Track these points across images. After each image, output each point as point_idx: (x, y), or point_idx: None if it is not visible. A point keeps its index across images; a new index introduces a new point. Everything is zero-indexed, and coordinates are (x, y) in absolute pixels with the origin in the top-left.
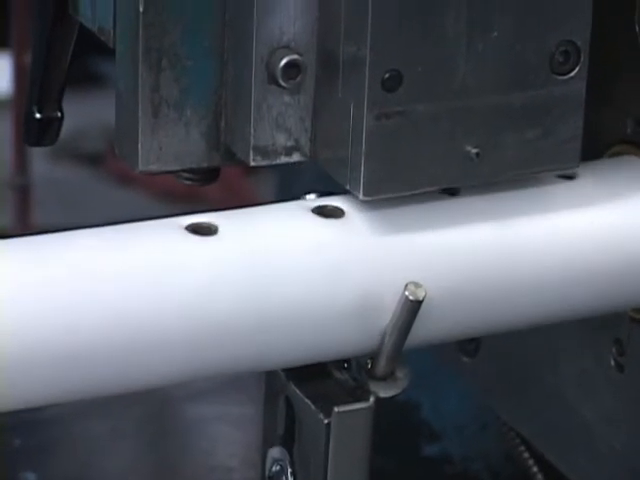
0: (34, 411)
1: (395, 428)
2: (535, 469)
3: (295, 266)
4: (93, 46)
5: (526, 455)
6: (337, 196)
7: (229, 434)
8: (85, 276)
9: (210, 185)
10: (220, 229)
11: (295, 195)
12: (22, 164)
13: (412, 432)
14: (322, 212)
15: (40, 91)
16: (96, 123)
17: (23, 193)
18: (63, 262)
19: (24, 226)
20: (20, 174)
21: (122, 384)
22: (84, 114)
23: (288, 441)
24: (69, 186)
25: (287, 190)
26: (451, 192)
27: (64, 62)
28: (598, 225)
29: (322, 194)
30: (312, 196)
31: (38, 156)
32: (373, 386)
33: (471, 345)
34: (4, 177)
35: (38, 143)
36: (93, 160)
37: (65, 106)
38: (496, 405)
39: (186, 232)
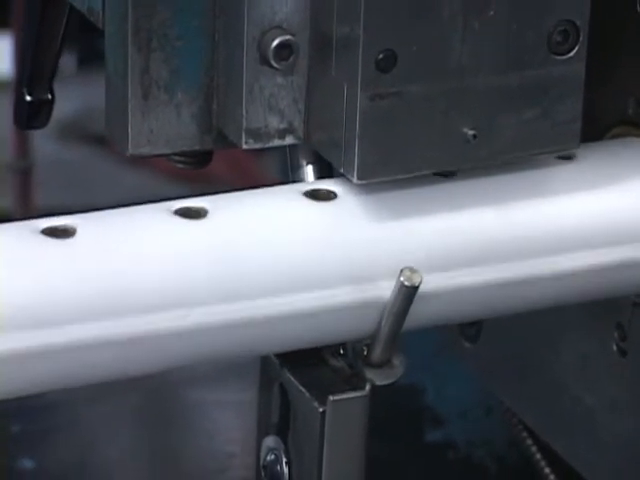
0: (32, 397)
1: (398, 413)
2: (539, 455)
3: (287, 250)
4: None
5: (529, 441)
6: (331, 179)
7: (229, 420)
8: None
9: (218, 165)
10: (210, 213)
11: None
12: (24, 146)
13: (416, 417)
14: (315, 195)
15: (31, 73)
16: (103, 103)
17: (25, 175)
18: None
19: (25, 208)
20: (22, 156)
21: (114, 371)
22: (91, 94)
23: (283, 430)
24: (75, 167)
25: None
26: (447, 174)
27: (55, 44)
28: (598, 207)
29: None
30: (310, 168)
31: (44, 137)
32: (369, 373)
33: (472, 330)
34: (6, 159)
35: (28, 126)
36: (100, 141)
37: (72, 86)
38: (498, 391)
39: (175, 216)
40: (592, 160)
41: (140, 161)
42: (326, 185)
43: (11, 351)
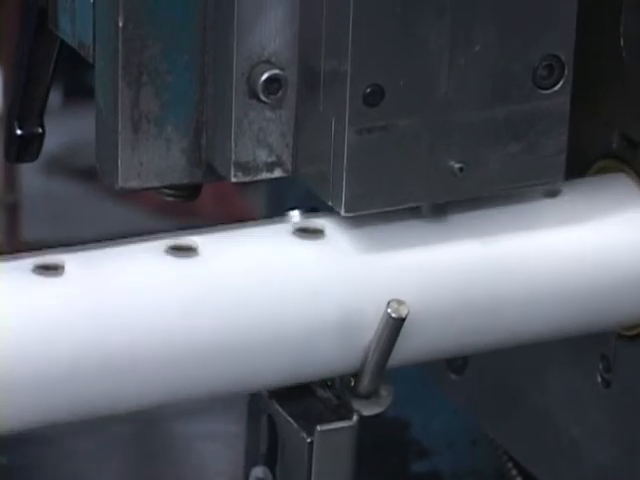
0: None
1: (385, 445)
2: None
3: (276, 288)
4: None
5: (515, 472)
6: (319, 215)
7: (217, 452)
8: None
9: (204, 200)
10: (200, 250)
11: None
12: (11, 180)
13: (402, 449)
14: (303, 233)
15: (21, 107)
16: (91, 138)
17: (12, 209)
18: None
19: (14, 242)
20: (10, 191)
21: (105, 407)
22: (78, 129)
23: (271, 460)
24: (62, 201)
25: (277, 204)
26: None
27: (45, 78)
28: (583, 243)
29: (309, 210)
30: (296, 213)
31: (31, 172)
32: (356, 404)
33: (458, 362)
34: None
35: (19, 159)
36: (87, 175)
37: (60, 120)
38: (484, 422)
39: (165, 253)
40: (577, 197)
41: (126, 195)
42: (314, 222)
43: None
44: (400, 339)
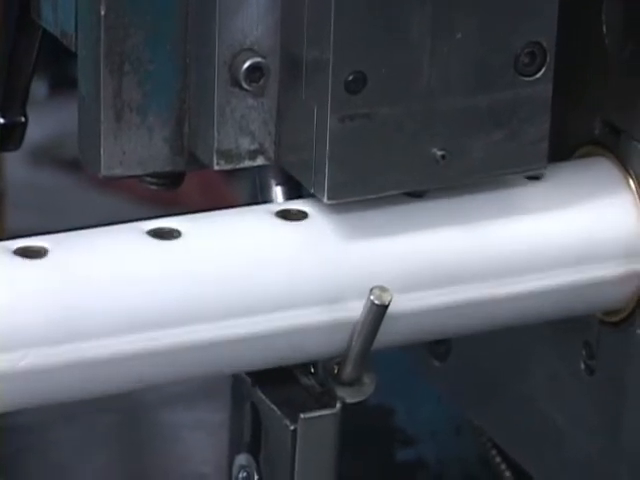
0: (5, 418)
1: (369, 433)
2: (508, 473)
3: (258, 270)
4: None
5: (499, 459)
6: (302, 200)
7: (202, 441)
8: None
9: (190, 189)
10: (182, 234)
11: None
12: None
13: (386, 437)
14: (286, 215)
15: (4, 96)
16: (74, 128)
17: None
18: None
19: None
20: None
21: (90, 390)
22: (64, 119)
23: (254, 448)
24: (47, 192)
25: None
26: (417, 194)
27: (28, 67)
28: (565, 227)
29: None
30: (279, 189)
31: (16, 162)
32: (340, 391)
33: (441, 349)
34: None
35: (1, 148)
36: (73, 166)
37: (45, 111)
38: (467, 409)
39: (147, 236)
40: (559, 180)
41: (111, 185)
42: (297, 205)
43: None
44: (383, 326)
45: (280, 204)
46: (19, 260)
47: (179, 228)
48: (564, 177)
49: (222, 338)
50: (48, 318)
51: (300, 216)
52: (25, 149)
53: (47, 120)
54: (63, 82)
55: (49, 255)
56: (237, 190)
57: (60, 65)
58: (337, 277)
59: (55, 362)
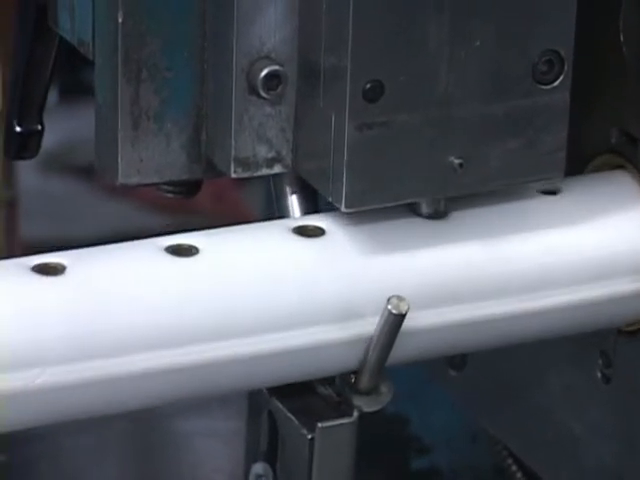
0: None
1: (385, 441)
2: None
3: (276, 287)
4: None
5: (515, 468)
6: (319, 214)
7: (215, 448)
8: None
9: (202, 197)
10: (201, 250)
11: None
12: (9, 177)
13: (402, 445)
14: (303, 232)
15: (20, 104)
16: (88, 135)
17: (10, 206)
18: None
19: (11, 240)
20: (7, 187)
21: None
22: (75, 126)
23: (271, 457)
24: (59, 199)
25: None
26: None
27: (45, 75)
28: (583, 242)
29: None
30: (294, 198)
31: (28, 169)
32: (357, 401)
33: (458, 358)
34: None
35: (19, 156)
36: (84, 173)
37: (57, 118)
38: (483, 418)
39: (165, 253)
40: (577, 195)
41: (123, 192)
42: (314, 221)
43: None
44: (400, 337)
45: (297, 219)
46: (37, 277)
47: (197, 245)
48: (582, 192)
49: (240, 356)
50: (65, 336)
51: (317, 232)
52: (36, 156)
53: (57, 127)
54: (73, 89)
55: (67, 272)
56: (249, 197)
57: (70, 72)
58: (355, 294)
59: (72, 380)
